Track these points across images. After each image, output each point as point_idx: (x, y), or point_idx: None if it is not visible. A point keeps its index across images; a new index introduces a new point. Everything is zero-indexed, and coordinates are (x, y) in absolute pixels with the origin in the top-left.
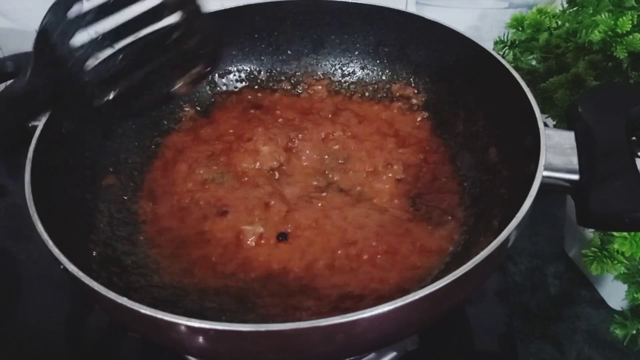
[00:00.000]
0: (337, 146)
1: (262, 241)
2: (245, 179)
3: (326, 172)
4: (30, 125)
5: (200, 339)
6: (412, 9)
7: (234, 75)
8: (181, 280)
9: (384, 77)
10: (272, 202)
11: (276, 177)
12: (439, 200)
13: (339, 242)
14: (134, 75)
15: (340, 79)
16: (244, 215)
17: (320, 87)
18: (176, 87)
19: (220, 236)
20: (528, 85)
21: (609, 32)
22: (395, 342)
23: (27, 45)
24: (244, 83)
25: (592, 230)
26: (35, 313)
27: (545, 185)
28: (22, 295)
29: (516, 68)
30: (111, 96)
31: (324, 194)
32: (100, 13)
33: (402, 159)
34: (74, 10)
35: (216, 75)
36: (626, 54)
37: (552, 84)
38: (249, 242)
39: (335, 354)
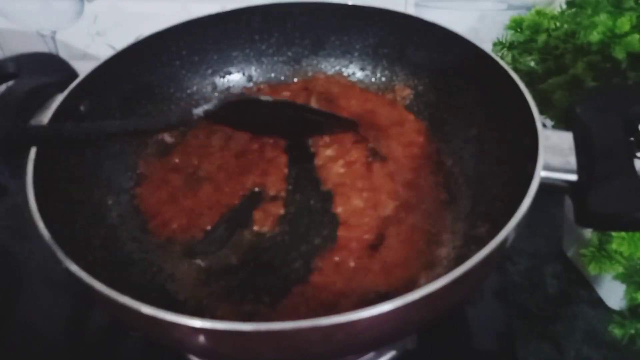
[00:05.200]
0: None
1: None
2: None
3: None
4: None
5: (201, 338)
6: (411, 10)
7: (234, 76)
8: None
9: (383, 79)
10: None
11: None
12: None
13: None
14: None
15: (339, 80)
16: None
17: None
18: None
19: None
20: (527, 87)
21: (608, 33)
22: (395, 341)
23: (27, 45)
24: (244, 84)
25: (591, 230)
26: (36, 313)
27: (544, 186)
28: (22, 296)
29: (515, 69)
30: None
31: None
32: None
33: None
34: None
35: (217, 76)
36: (625, 55)
37: (551, 85)
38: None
39: (335, 353)
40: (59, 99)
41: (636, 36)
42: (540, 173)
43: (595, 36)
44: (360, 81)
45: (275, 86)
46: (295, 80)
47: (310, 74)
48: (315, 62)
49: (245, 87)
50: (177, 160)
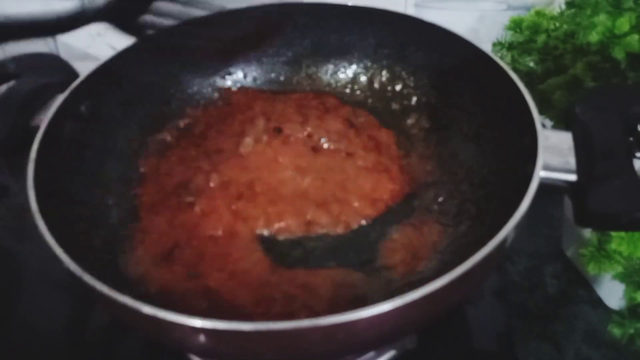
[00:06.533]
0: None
1: None
2: None
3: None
4: (32, 126)
5: (201, 338)
6: (410, 11)
7: (235, 76)
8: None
9: (383, 79)
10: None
11: None
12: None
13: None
14: None
15: (340, 79)
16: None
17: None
18: None
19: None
20: (526, 87)
21: (607, 33)
22: (395, 341)
23: (27, 46)
24: (244, 84)
25: (590, 229)
26: (36, 313)
27: (543, 186)
28: (22, 296)
29: (514, 70)
30: None
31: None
32: None
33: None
34: None
35: (217, 76)
36: (624, 55)
37: (550, 85)
38: None
39: (335, 353)
40: (60, 99)
41: (635, 36)
42: (540, 173)
43: (594, 36)
44: (360, 82)
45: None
46: (295, 82)
47: (310, 72)
48: (315, 62)
49: (246, 87)
50: (176, 163)
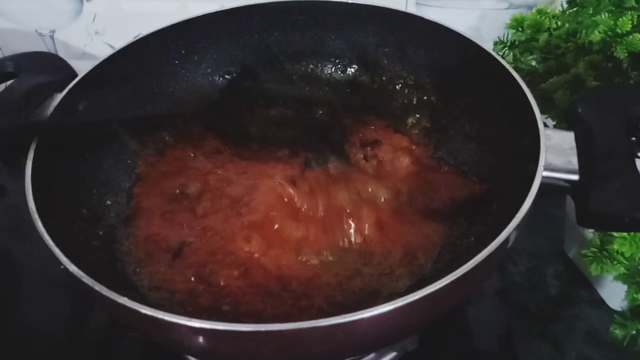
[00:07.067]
0: None
1: None
2: None
3: None
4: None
5: (200, 339)
6: (411, 9)
7: (234, 75)
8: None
9: (383, 78)
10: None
11: None
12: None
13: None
14: None
15: (340, 78)
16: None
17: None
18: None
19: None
20: (528, 86)
21: (609, 33)
22: (396, 342)
23: (27, 45)
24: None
25: (592, 230)
26: (36, 313)
27: (545, 186)
28: (22, 296)
29: (516, 69)
30: None
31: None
32: None
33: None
34: None
35: (216, 76)
36: (626, 54)
37: (552, 85)
38: None
39: (336, 354)
40: (58, 98)
41: (637, 36)
42: (542, 173)
43: (596, 35)
44: (360, 80)
45: None
46: (295, 80)
47: (309, 70)
48: (315, 60)
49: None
50: (175, 163)
